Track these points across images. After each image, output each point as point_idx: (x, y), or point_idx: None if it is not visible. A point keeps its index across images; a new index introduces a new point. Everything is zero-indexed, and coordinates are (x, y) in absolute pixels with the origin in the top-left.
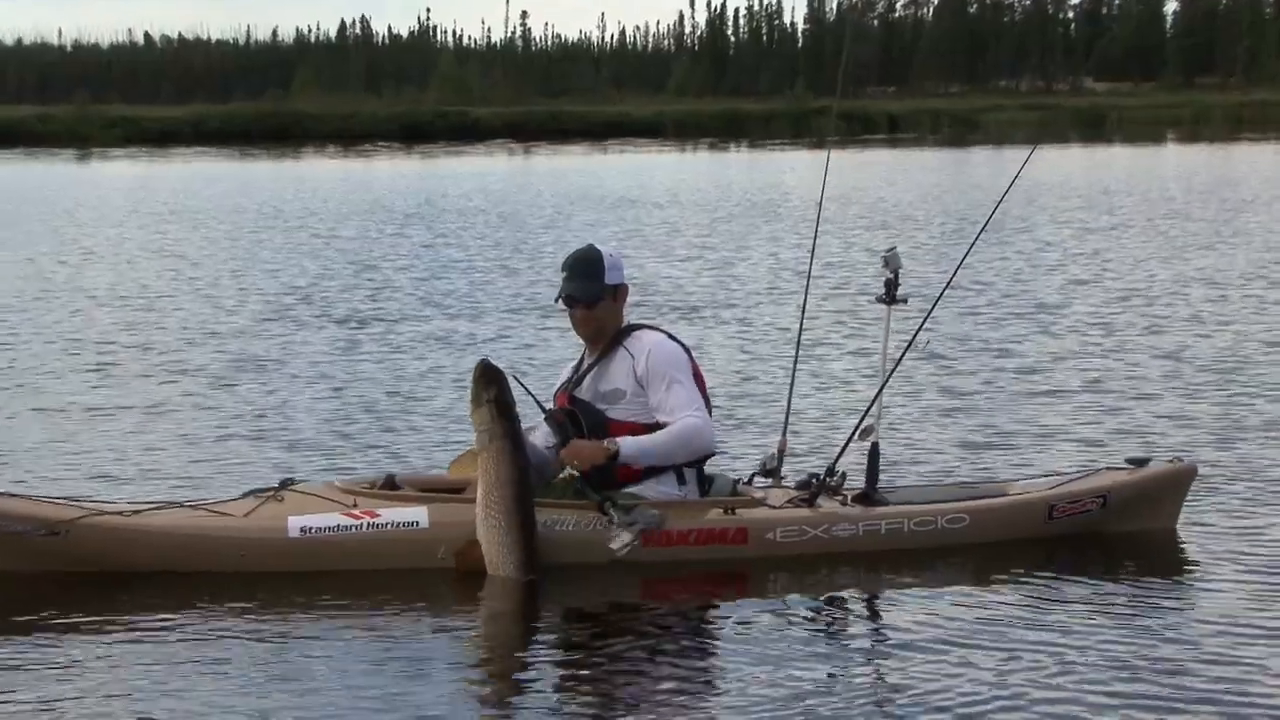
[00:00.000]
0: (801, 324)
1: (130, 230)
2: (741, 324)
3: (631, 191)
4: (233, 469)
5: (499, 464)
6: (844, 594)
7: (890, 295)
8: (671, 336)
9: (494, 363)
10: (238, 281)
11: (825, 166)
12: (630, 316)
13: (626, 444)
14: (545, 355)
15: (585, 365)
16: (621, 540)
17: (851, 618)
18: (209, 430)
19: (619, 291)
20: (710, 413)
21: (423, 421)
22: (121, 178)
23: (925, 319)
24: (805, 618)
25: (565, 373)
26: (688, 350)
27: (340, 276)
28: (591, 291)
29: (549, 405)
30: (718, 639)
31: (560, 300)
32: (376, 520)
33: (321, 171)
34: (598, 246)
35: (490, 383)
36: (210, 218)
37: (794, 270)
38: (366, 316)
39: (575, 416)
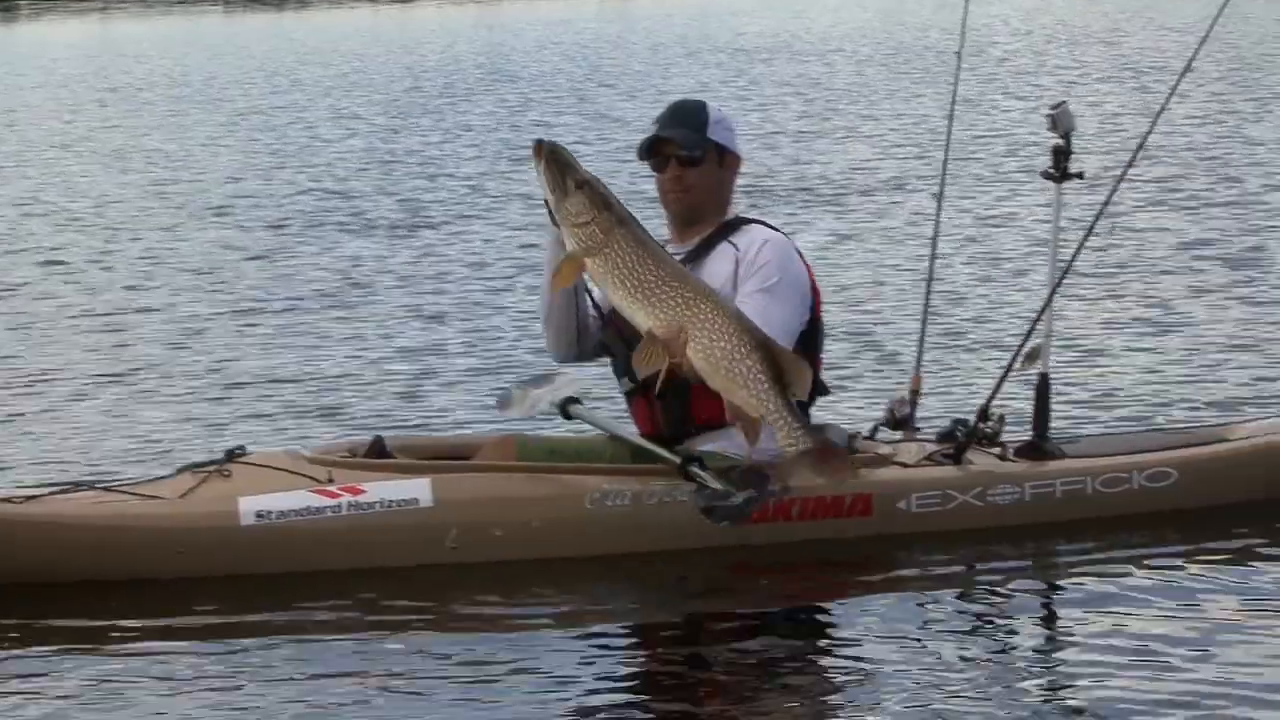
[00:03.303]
0: (939, 214)
1: (65, 120)
2: (873, 217)
3: (776, 38)
4: (167, 440)
5: (639, 249)
6: (1006, 584)
7: (1060, 168)
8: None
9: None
10: (212, 188)
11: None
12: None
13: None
14: None
15: None
16: (732, 502)
17: (1014, 618)
18: (135, 388)
19: (727, 159)
20: (816, 364)
21: (431, 375)
22: (54, 46)
23: (1109, 198)
24: (951, 619)
25: None
26: (810, 272)
27: (344, 174)
28: (692, 141)
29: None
30: (828, 650)
31: (645, 152)
32: (360, 499)
33: (338, 29)
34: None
35: (569, 162)
36: (181, 98)
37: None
38: (377, 225)
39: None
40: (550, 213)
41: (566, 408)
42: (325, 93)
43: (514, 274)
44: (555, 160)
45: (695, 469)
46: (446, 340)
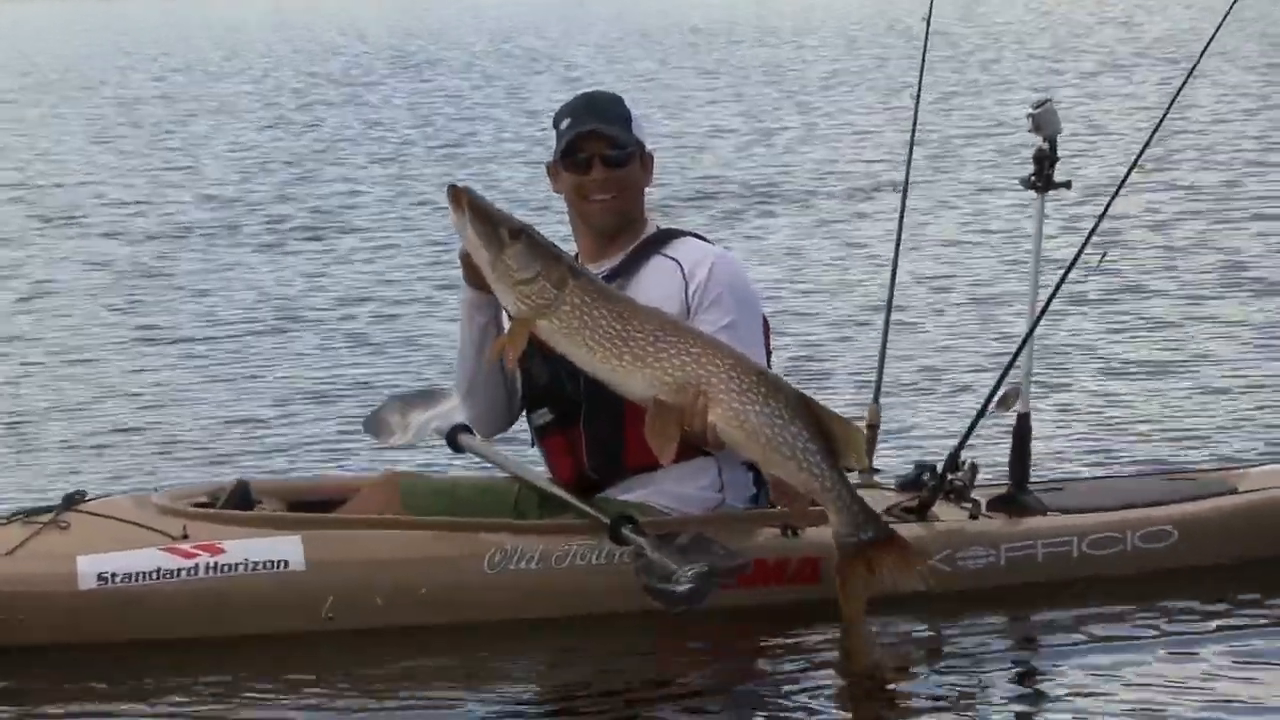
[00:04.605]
0: (900, 228)
1: None
2: (832, 224)
3: (731, 21)
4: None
5: (608, 301)
6: (979, 667)
7: (1043, 177)
8: None
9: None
10: (74, 194)
11: None
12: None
13: None
14: None
15: None
16: (677, 588)
17: (980, 688)
18: None
19: (647, 161)
20: None
21: (305, 411)
22: None
23: (1101, 216)
24: (906, 691)
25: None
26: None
27: (223, 180)
28: (624, 137)
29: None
30: None
31: (563, 151)
32: (220, 560)
33: (242, 8)
34: None
35: (497, 210)
36: (47, 87)
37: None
38: (251, 240)
39: (557, 380)
40: (466, 270)
41: (456, 437)
42: (213, 79)
43: (402, 299)
44: (480, 208)
45: (629, 532)
46: (321, 372)
